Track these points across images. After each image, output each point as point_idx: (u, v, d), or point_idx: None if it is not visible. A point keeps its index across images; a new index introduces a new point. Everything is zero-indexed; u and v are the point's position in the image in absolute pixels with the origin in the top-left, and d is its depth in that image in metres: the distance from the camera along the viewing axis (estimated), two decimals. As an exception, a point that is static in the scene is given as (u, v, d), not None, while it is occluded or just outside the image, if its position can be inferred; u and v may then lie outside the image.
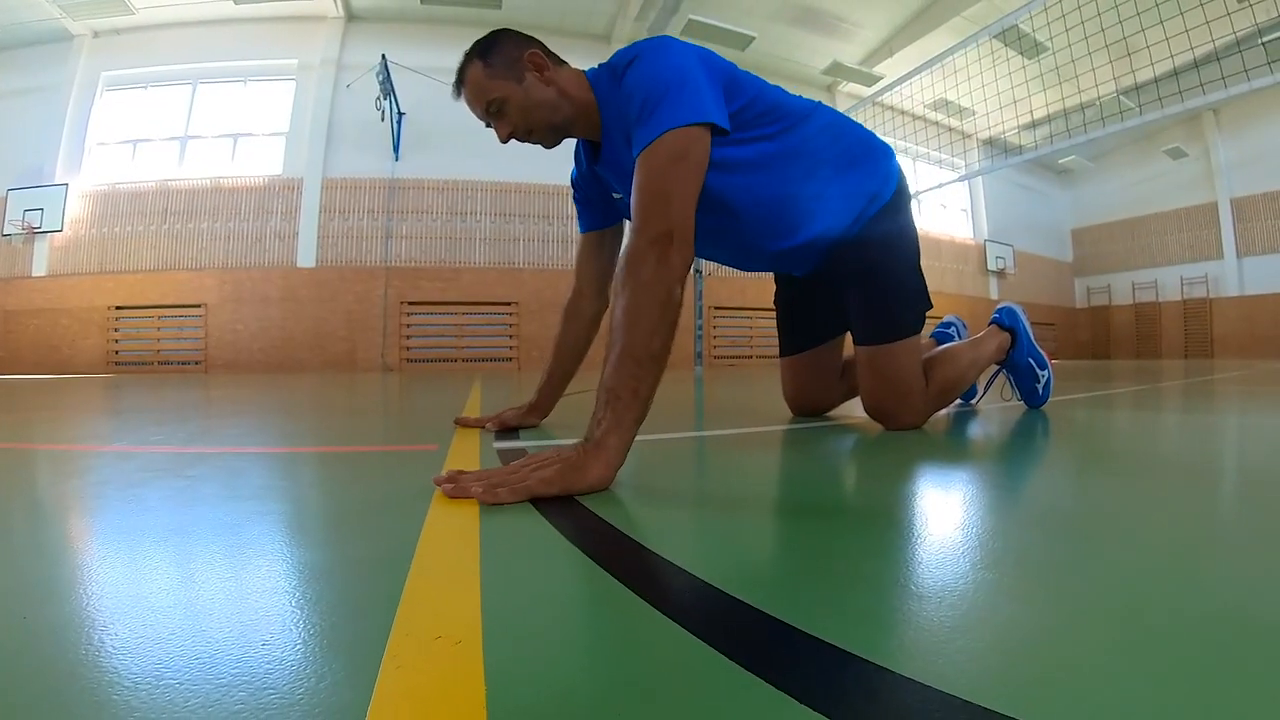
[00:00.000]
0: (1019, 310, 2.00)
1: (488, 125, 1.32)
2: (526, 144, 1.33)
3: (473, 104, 1.30)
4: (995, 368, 2.06)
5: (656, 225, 1.01)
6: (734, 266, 1.73)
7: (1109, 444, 1.48)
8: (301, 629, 0.44)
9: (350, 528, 0.72)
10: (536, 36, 1.29)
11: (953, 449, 1.35)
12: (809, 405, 1.92)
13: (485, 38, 1.28)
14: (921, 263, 1.65)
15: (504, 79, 1.25)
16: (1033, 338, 2.00)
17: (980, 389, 2.20)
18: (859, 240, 1.55)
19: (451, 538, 0.66)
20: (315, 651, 0.41)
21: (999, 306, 2.01)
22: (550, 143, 1.33)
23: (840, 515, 0.80)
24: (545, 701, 0.35)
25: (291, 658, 0.40)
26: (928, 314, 1.63)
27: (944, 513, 0.81)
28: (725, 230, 1.49)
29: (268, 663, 0.39)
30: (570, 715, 0.33)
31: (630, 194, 1.31)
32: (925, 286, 1.64)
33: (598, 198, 1.57)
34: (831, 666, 0.38)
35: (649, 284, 0.97)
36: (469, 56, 1.28)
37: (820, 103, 1.55)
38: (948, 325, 2.22)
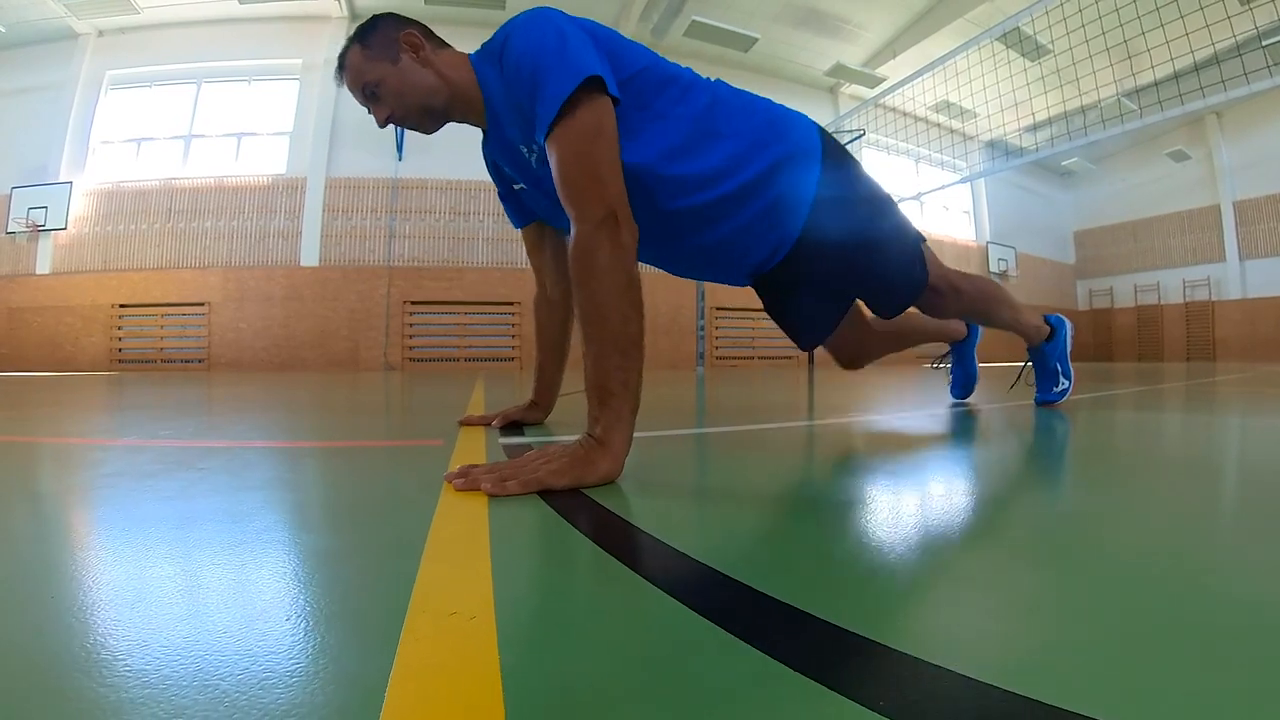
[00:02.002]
0: (1069, 323, 2.08)
1: (369, 111, 1.26)
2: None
3: (353, 88, 1.24)
4: (1019, 372, 2.13)
5: (598, 207, 0.98)
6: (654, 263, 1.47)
7: (1106, 441, 1.49)
8: (323, 606, 0.47)
9: (363, 516, 0.75)
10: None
11: (949, 444, 1.37)
12: (857, 361, 1.84)
13: (364, 22, 1.24)
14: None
15: (379, 60, 1.20)
16: (1069, 351, 2.07)
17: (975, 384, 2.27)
18: (816, 232, 1.38)
19: (462, 525, 0.68)
20: (338, 627, 0.43)
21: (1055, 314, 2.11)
22: (428, 127, 1.27)
23: (834, 505, 0.82)
24: (556, 671, 0.37)
25: (315, 632, 0.42)
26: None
27: (937, 502, 0.83)
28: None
29: (293, 636, 0.41)
30: (579, 683, 0.35)
31: (534, 179, 1.27)
32: (906, 223, 1.52)
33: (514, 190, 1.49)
34: (820, 638, 0.40)
35: (609, 269, 0.95)
36: (349, 41, 1.23)
37: (720, 80, 1.37)
38: None
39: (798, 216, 1.36)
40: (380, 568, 0.56)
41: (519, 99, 1.10)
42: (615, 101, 1.06)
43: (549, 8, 1.13)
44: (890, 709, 0.32)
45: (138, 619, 0.44)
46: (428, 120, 1.25)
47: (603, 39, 1.14)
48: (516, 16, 1.12)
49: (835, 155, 1.40)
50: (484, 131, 1.34)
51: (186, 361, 8.50)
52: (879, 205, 1.48)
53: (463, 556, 0.57)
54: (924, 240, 1.56)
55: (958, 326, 2.10)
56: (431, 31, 1.25)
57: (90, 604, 0.47)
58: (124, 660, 0.38)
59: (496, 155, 1.35)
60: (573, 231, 0.99)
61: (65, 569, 0.56)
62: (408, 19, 1.24)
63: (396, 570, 0.54)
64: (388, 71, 1.19)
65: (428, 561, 0.56)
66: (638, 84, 1.17)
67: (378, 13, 1.25)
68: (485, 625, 0.42)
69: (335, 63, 1.26)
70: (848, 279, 1.52)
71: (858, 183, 1.45)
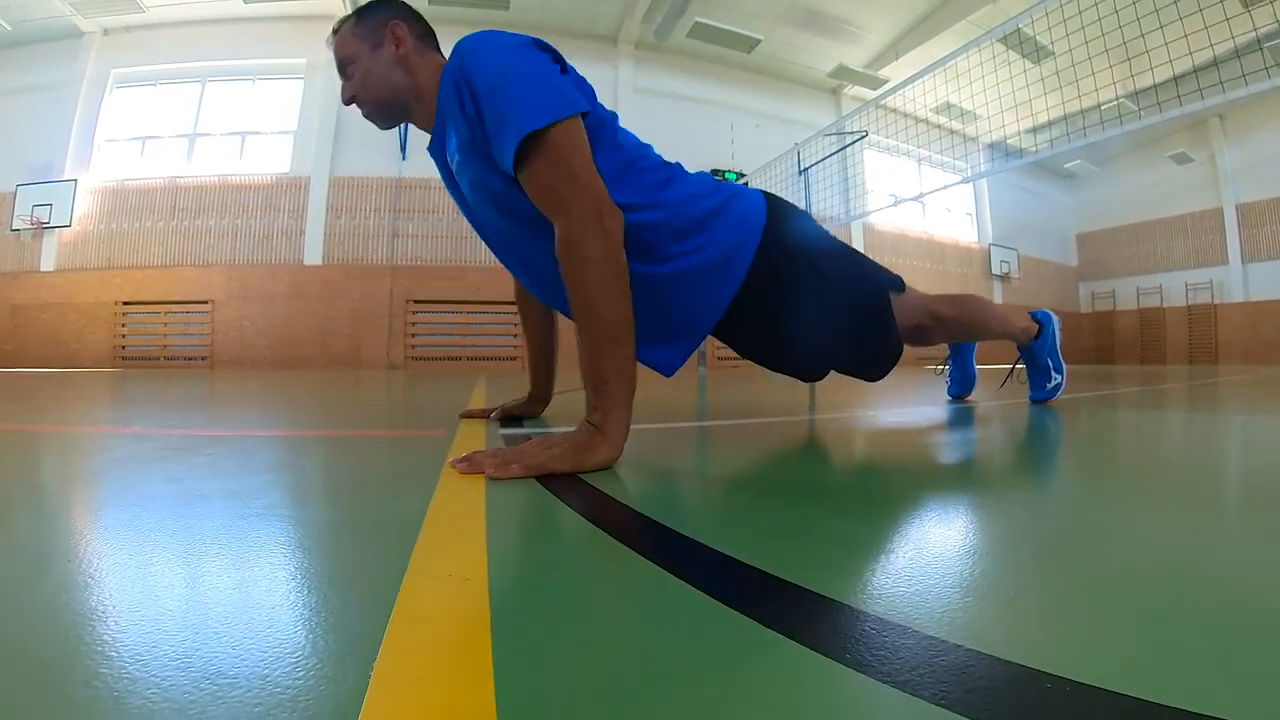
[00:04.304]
0: (1055, 317, 2.09)
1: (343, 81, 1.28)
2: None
3: (335, 55, 1.26)
4: (1009, 370, 2.19)
5: (579, 202, 0.98)
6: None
7: (1094, 436, 1.51)
8: (325, 569, 0.49)
9: (365, 495, 0.77)
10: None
11: (940, 437, 1.39)
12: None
13: (371, 0, 1.26)
14: (847, 254, 1.50)
15: (361, 41, 1.22)
16: (1058, 345, 2.08)
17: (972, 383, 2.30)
18: (756, 286, 1.30)
19: (460, 502, 0.71)
20: (339, 586, 0.46)
21: (1041, 309, 2.11)
22: (382, 121, 1.28)
23: (821, 489, 0.84)
24: (542, 625, 0.39)
25: (317, 590, 0.45)
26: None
27: (921, 488, 0.85)
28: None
29: (296, 592, 0.44)
30: (562, 634, 0.38)
31: (452, 183, 1.28)
32: (867, 279, 1.49)
33: None
34: (799, 603, 0.43)
35: (599, 260, 0.96)
36: (350, 13, 1.26)
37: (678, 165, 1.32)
38: None
39: (738, 271, 1.30)
40: (380, 538, 0.58)
41: (473, 132, 1.08)
42: (584, 115, 1.06)
43: (505, 34, 1.10)
44: (885, 674, 0.34)
45: (150, 578, 0.46)
46: (382, 113, 1.27)
47: (572, 75, 1.13)
48: (476, 43, 1.08)
49: (781, 220, 1.36)
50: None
51: (190, 359, 8.53)
52: (825, 271, 1.40)
53: (460, 529, 0.60)
54: (898, 287, 1.52)
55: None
56: (428, 31, 1.27)
57: (105, 568, 0.50)
58: (138, 611, 0.40)
59: (436, 157, 1.31)
60: (558, 228, 1.00)
61: (80, 539, 0.59)
62: (410, 11, 1.26)
63: (396, 540, 0.56)
64: (364, 54, 1.22)
65: (426, 533, 0.58)
66: (603, 129, 1.16)
67: None
68: (478, 586, 0.45)
69: (332, 27, 1.28)
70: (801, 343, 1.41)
71: (803, 247, 1.38)
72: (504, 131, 1.01)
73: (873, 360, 1.52)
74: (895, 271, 1.56)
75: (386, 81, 1.22)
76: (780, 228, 1.34)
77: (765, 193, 1.42)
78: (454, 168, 1.24)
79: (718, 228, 1.27)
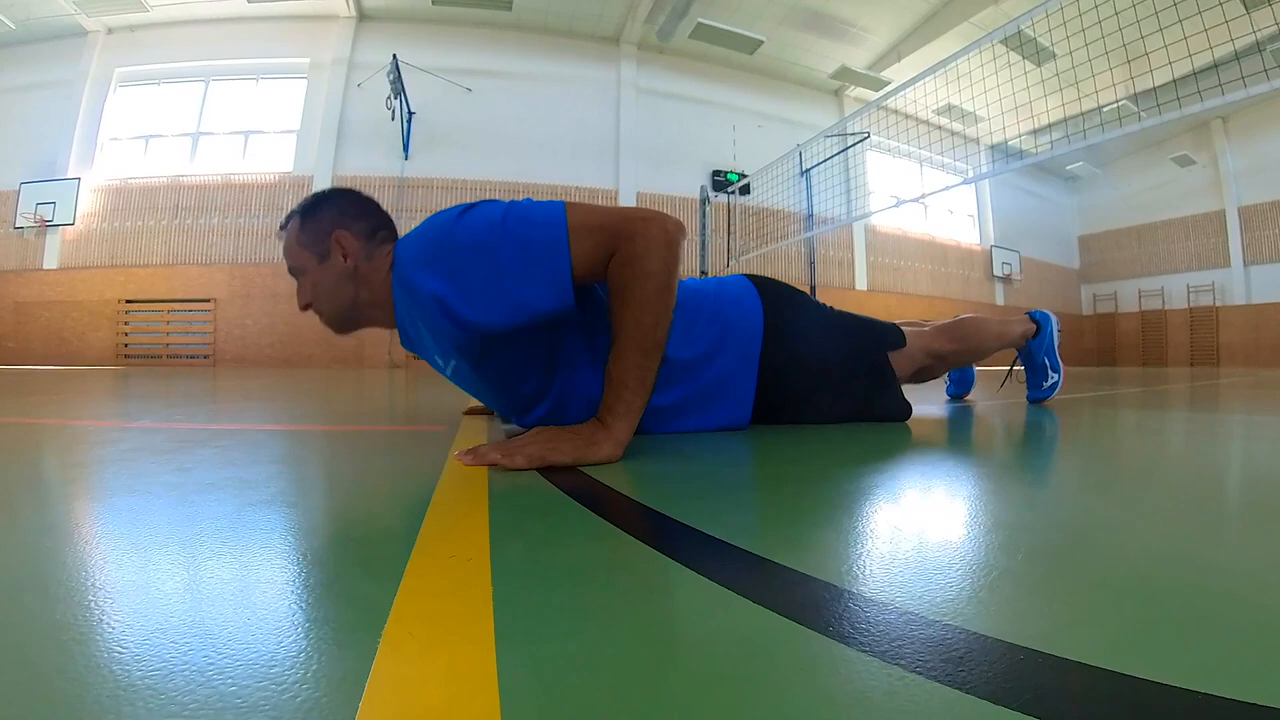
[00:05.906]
0: (1053, 316, 2.11)
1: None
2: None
3: (284, 255, 1.21)
4: (1008, 371, 2.31)
5: (636, 223, 0.99)
6: None
7: (1086, 433, 1.53)
8: (335, 550, 0.51)
9: (371, 484, 0.79)
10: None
11: (935, 433, 1.40)
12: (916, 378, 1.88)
13: (319, 195, 1.21)
14: (834, 314, 1.60)
15: (307, 250, 1.16)
16: (1056, 344, 2.11)
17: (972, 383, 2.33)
18: (770, 373, 1.41)
19: (463, 490, 0.73)
20: (346, 566, 0.47)
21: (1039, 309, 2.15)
22: (336, 329, 1.23)
23: (815, 479, 0.85)
24: (541, 601, 0.41)
25: (324, 568, 0.46)
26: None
27: (911, 478, 0.86)
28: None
29: (304, 571, 0.46)
30: (560, 608, 0.39)
31: (451, 372, 1.26)
32: (862, 343, 1.58)
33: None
34: (787, 582, 0.45)
35: (658, 272, 0.98)
36: (297, 209, 1.20)
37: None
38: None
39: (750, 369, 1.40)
40: (386, 523, 0.60)
41: (443, 320, 1.04)
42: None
43: (444, 217, 1.06)
44: (878, 650, 0.36)
45: (164, 559, 0.48)
46: (336, 324, 1.22)
47: None
48: (423, 243, 1.05)
49: (776, 309, 1.45)
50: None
51: (192, 357, 8.57)
52: (824, 340, 1.51)
53: (462, 513, 0.62)
54: (898, 344, 1.60)
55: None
56: (377, 224, 1.20)
57: (120, 549, 0.51)
58: (154, 588, 0.42)
59: (409, 349, 1.31)
60: (622, 252, 0.99)
61: (96, 524, 0.60)
62: (355, 208, 1.20)
63: (401, 525, 0.58)
64: (311, 265, 1.16)
65: (430, 519, 0.60)
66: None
67: (335, 190, 1.23)
68: (481, 565, 0.46)
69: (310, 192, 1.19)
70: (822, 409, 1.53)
71: (799, 323, 1.48)
72: (534, 259, 0.99)
73: (885, 413, 1.58)
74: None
75: (336, 298, 1.17)
76: (777, 318, 1.43)
77: (752, 278, 1.49)
78: (446, 372, 1.26)
79: (722, 347, 1.37)
